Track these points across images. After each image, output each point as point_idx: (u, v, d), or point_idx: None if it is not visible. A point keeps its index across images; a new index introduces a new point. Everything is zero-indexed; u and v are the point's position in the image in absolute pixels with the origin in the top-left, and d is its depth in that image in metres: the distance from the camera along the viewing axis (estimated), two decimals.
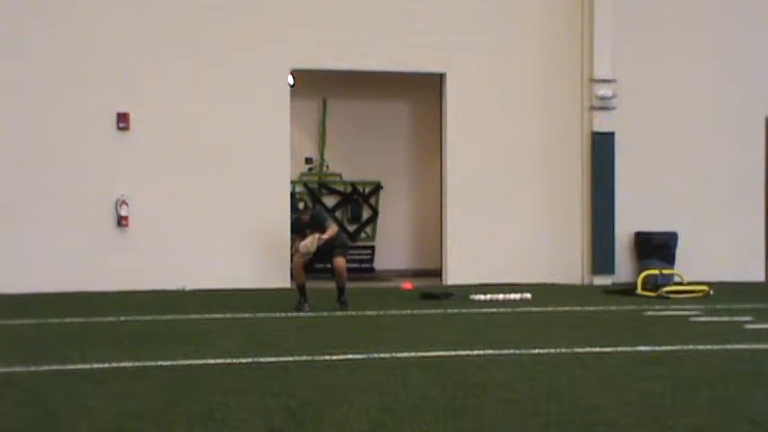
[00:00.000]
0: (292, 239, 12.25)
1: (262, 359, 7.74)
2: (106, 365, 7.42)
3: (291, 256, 12.40)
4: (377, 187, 17.41)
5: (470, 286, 13.88)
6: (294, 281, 11.63)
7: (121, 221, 13.68)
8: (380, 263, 17.32)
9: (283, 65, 14.34)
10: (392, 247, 17.57)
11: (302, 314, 10.92)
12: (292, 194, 13.36)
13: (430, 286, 14.17)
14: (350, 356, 7.91)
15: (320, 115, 17.25)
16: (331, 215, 14.72)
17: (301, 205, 12.27)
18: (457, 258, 14.91)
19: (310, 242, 11.25)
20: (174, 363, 7.59)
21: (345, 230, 16.39)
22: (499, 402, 6.11)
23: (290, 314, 10.91)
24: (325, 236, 11.32)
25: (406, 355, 8.00)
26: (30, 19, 13.58)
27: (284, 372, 7.27)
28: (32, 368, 7.30)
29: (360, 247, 17.17)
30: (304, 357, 7.84)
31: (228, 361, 7.65)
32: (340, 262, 11.41)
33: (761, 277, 15.66)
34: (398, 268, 17.27)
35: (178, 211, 13.89)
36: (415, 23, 14.67)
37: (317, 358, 7.79)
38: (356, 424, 5.52)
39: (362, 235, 17.39)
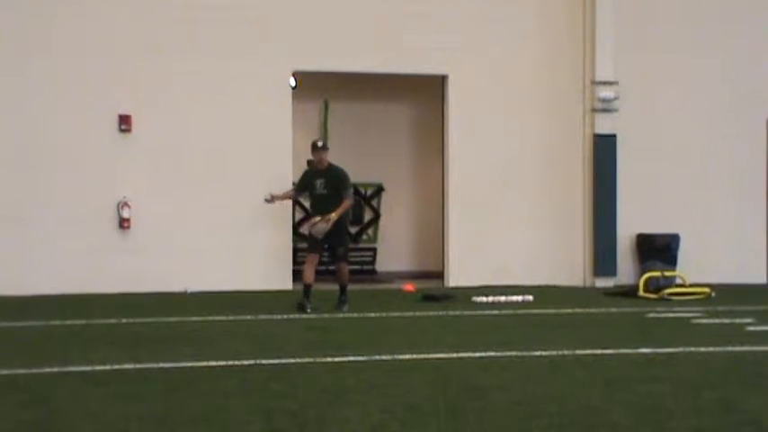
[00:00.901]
0: (296, 192, 11.93)
1: (263, 361, 7.74)
2: (108, 367, 7.43)
3: (299, 235, 11.95)
4: (379, 189, 17.41)
5: (472, 288, 13.87)
6: (302, 280, 11.45)
7: (123, 223, 13.68)
8: (382, 265, 17.31)
9: (285, 67, 14.34)
10: (394, 249, 17.55)
11: (303, 315, 10.92)
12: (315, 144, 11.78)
13: (432, 288, 14.16)
14: (351, 358, 7.91)
15: (322, 117, 17.24)
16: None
17: (320, 143, 11.52)
18: (459, 260, 14.90)
19: (323, 227, 11.03)
20: (176, 364, 7.60)
21: (348, 233, 16.36)
22: (501, 404, 6.12)
23: (291, 316, 10.91)
24: (335, 215, 11.00)
25: (407, 356, 8.00)
26: (30, 20, 13.58)
27: (286, 373, 7.27)
28: (34, 370, 7.31)
29: (362, 249, 17.17)
30: (306, 359, 7.84)
31: (230, 363, 7.65)
32: (343, 268, 11.43)
33: (763, 279, 15.64)
34: (400, 270, 17.25)
35: (180, 212, 13.89)
36: (417, 25, 14.66)
37: (318, 360, 7.80)
38: (358, 426, 5.52)
39: (364, 237, 17.38)
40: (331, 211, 11.15)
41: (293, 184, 12.31)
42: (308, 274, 11.32)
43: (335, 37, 14.45)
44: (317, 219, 11.19)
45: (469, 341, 8.98)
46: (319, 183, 11.41)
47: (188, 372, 7.35)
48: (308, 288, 11.27)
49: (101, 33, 13.76)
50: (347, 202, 11.25)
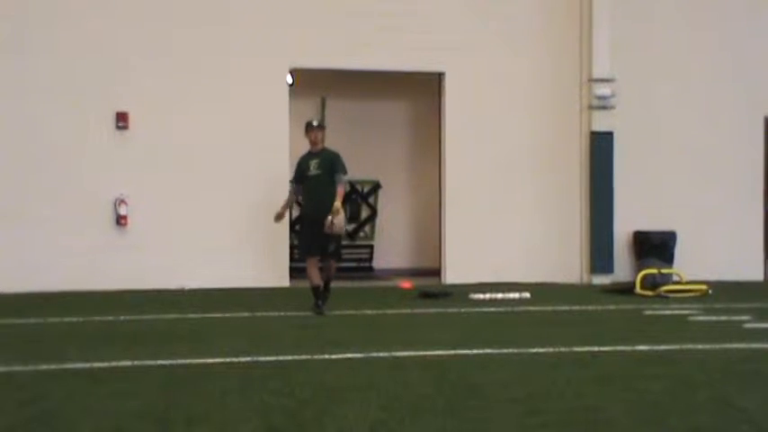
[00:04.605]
0: (296, 186, 11.26)
1: (261, 358, 7.74)
2: (106, 364, 7.43)
3: (296, 232, 11.33)
4: (376, 186, 17.41)
5: (469, 285, 13.88)
6: (309, 282, 10.99)
7: (120, 220, 13.68)
8: (379, 262, 17.33)
9: (282, 64, 14.34)
10: (391, 246, 17.57)
11: (301, 313, 10.90)
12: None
13: (429, 285, 14.16)
14: (349, 356, 7.91)
15: (319, 114, 17.24)
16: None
17: (315, 122, 11.05)
18: (456, 257, 14.92)
19: (339, 222, 10.47)
20: (174, 362, 7.60)
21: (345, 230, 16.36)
22: (498, 401, 6.12)
23: (288, 313, 10.90)
24: (338, 203, 10.40)
25: (405, 354, 8.00)
26: (29, 18, 13.57)
27: (283, 371, 7.27)
28: (32, 367, 7.31)
29: (358, 246, 17.18)
30: (303, 356, 7.84)
31: (227, 360, 7.65)
32: (332, 265, 11.10)
33: (760, 276, 15.67)
34: (397, 267, 17.28)
35: (177, 210, 13.89)
36: (414, 23, 14.67)
37: (316, 357, 7.80)
38: (355, 423, 5.52)
39: (361, 234, 17.39)
40: (324, 197, 10.71)
41: (290, 182, 11.83)
42: (315, 276, 10.91)
43: (333, 34, 14.45)
44: (329, 220, 10.53)
45: (467, 338, 8.99)
46: (313, 164, 10.91)
47: (185, 369, 7.35)
48: (317, 289, 10.94)
49: (98, 31, 13.76)
50: (341, 189, 10.71)
